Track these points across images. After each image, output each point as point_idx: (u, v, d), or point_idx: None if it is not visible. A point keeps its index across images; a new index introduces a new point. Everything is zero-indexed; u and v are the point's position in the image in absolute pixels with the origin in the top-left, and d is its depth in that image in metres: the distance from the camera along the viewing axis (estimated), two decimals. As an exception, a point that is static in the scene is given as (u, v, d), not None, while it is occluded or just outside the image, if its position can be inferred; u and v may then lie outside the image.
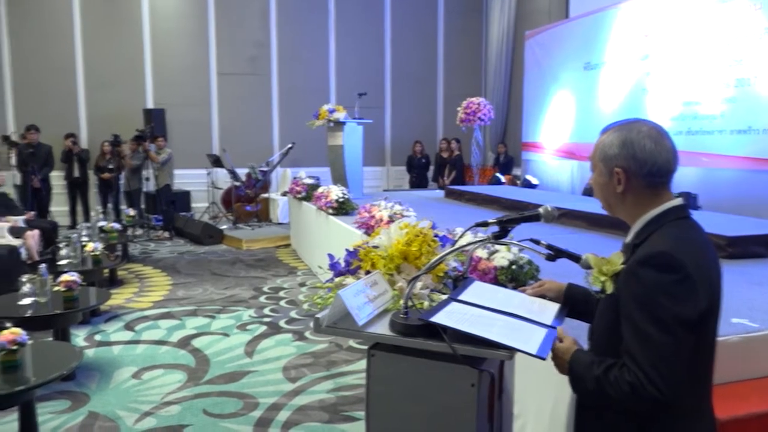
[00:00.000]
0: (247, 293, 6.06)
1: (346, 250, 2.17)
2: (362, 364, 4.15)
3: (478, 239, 1.79)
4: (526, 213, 1.67)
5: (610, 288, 1.42)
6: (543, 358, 1.40)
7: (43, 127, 9.44)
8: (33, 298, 4.07)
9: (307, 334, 4.81)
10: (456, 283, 1.92)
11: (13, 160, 9.01)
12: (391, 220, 4.39)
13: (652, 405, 1.29)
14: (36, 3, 10.37)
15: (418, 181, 11.29)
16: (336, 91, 11.88)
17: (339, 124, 7.74)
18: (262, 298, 5.88)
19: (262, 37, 11.49)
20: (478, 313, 1.60)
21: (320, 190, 6.80)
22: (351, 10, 11.95)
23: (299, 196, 7.69)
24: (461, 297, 1.69)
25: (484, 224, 1.70)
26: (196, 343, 4.64)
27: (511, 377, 1.88)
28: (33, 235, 6.83)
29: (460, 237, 1.84)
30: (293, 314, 5.35)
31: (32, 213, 8.03)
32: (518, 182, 10.49)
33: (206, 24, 11.17)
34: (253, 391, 3.76)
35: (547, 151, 10.41)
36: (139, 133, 9.80)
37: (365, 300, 1.71)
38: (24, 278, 4.18)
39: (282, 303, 5.72)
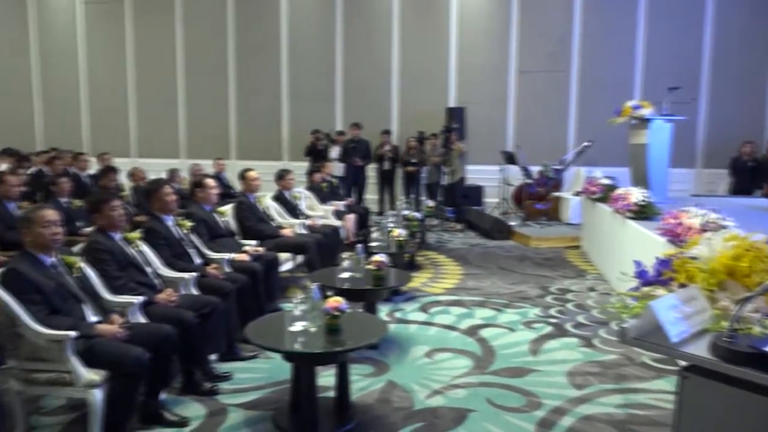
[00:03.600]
0: (534, 291, 6.05)
1: (657, 258, 2.01)
2: (657, 383, 3.82)
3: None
4: None
5: None
6: None
7: (363, 123, 10.89)
8: (350, 273, 4.69)
9: (596, 341, 4.60)
10: (798, 311, 1.63)
11: (333, 153, 10.50)
12: (703, 229, 3.91)
13: None
14: (363, 10, 11.85)
15: (741, 187, 9.76)
16: (642, 85, 10.96)
17: (644, 121, 7.15)
18: (549, 298, 5.80)
19: (564, 31, 11.21)
20: (831, 350, 1.34)
21: (619, 191, 6.40)
22: (665, -8, 10.87)
23: (594, 196, 7.36)
24: (807, 328, 1.43)
25: None
26: (483, 333, 4.81)
27: None
28: (351, 219, 7.91)
29: (811, 257, 1.55)
30: (581, 319, 5.17)
31: (351, 199, 9.30)
32: None
33: (509, 23, 11.38)
34: (537, 390, 3.75)
35: None
36: (445, 128, 10.54)
37: (679, 316, 1.56)
38: (344, 255, 4.87)
39: (569, 305, 5.56)
